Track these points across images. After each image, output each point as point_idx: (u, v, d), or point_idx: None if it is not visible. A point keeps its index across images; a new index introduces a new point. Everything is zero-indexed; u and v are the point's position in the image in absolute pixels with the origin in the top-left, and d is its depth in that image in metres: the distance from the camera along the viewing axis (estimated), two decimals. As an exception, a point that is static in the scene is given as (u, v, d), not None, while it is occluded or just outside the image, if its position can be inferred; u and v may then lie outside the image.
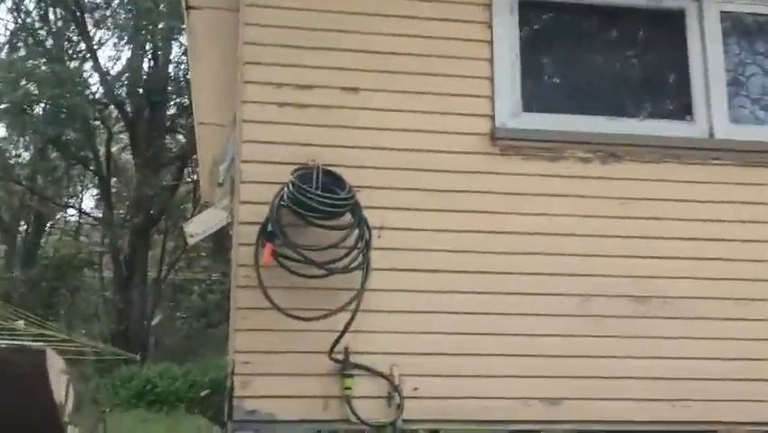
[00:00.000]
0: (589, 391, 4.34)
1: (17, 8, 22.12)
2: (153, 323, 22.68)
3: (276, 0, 4.56)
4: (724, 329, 4.51)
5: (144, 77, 22.64)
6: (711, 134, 4.77)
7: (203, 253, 23.88)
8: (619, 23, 5.12)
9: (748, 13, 5.04)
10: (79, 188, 27.12)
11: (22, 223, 24.57)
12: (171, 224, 23.49)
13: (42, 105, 19.81)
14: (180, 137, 24.33)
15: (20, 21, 22.35)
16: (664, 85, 5.12)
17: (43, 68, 19.70)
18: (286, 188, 4.13)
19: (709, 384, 4.42)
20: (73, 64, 21.44)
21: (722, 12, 4.96)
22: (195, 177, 22.14)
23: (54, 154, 22.87)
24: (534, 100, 4.76)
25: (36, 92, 18.87)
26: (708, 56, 4.85)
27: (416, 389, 4.21)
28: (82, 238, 26.04)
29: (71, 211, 27.39)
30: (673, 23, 4.97)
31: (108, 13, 22.21)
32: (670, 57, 5.07)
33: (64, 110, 18.91)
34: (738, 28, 5.05)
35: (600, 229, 4.55)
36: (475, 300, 4.36)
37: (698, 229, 4.61)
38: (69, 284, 22.86)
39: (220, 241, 18.35)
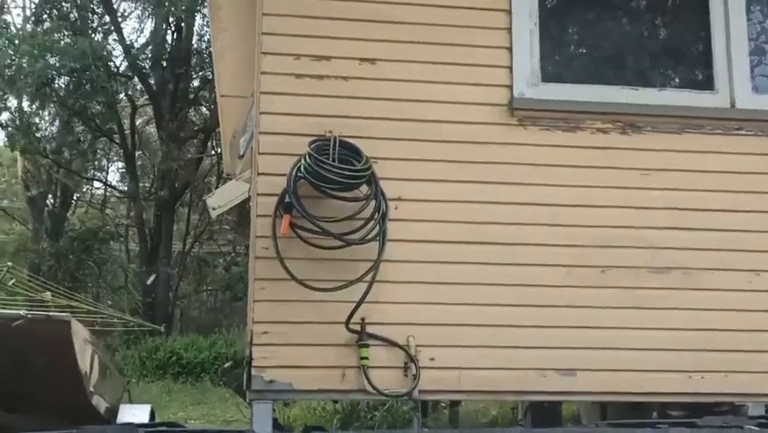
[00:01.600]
0: (605, 363, 4.34)
1: (43, -19, 22.23)
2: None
3: (293, -29, 4.54)
4: (743, 301, 4.48)
5: (168, 49, 22.67)
6: (733, 104, 4.70)
7: (227, 226, 24.00)
8: (641, -10, 5.05)
9: (773, -20, 4.95)
10: (105, 162, 27.33)
11: (50, 196, 24.82)
12: (196, 197, 23.62)
13: (66, 78, 19.89)
14: (204, 110, 24.38)
15: (45, -7, 22.46)
16: (686, 54, 5.06)
17: (67, 40, 19.79)
18: (303, 160, 4.14)
19: (727, 356, 4.40)
20: (97, 37, 21.50)
21: (746, -21, 4.87)
22: (218, 150, 22.20)
23: (79, 127, 23.04)
24: (553, 70, 4.72)
25: (58, 65, 18.95)
26: (730, 24, 4.76)
27: (432, 359, 4.23)
28: (108, 211, 26.25)
29: (97, 184, 27.64)
30: (696, -10, 4.89)
31: (132, -16, 22.24)
32: (692, 25, 5.00)
33: (87, 83, 18.98)
34: (762, -5, 4.96)
35: (620, 200, 4.52)
36: (492, 271, 4.36)
37: (718, 200, 4.57)
38: (96, 257, 23.11)
39: (244, 214, 18.47)
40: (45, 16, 21.86)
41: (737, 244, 4.53)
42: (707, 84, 4.80)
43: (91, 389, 7.65)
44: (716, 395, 4.40)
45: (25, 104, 21.58)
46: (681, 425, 4.19)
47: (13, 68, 18.71)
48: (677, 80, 5.00)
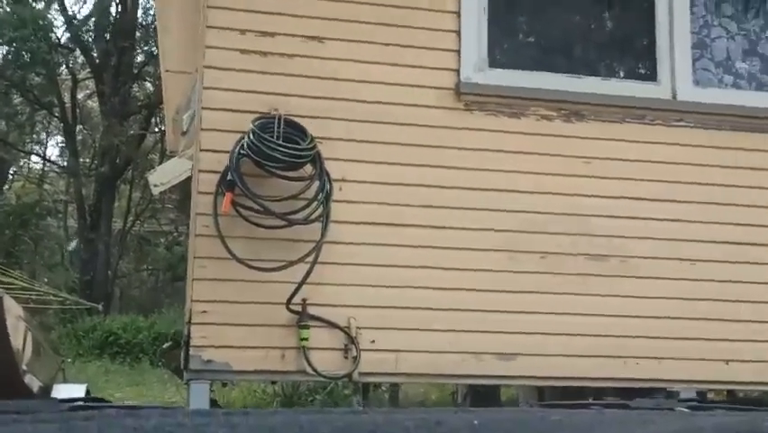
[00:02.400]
0: (542, 348, 4.39)
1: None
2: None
3: (240, -56, 4.45)
4: (679, 289, 4.58)
5: (112, 22, 22.16)
6: (674, 96, 4.78)
7: (169, 205, 23.68)
8: (590, -19, 5.08)
9: (717, -24, 5.04)
10: (44, 136, 26.67)
11: (-16, 169, 24.15)
12: (138, 174, 23.22)
13: (4, 47, 19.32)
14: (148, 86, 23.95)
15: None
16: (631, 45, 5.12)
17: (6, 8, 19.20)
18: (246, 137, 4.08)
19: (662, 343, 4.49)
20: (38, 6, 20.90)
21: (691, -27, 4.94)
22: (162, 127, 21.84)
23: (17, 99, 22.41)
24: (500, 56, 4.73)
25: (-3, 34, 18.42)
26: (674, 18, 4.84)
27: (372, 342, 4.23)
28: (46, 186, 25.65)
29: (35, 159, 26.96)
30: (642, -18, 4.94)
31: (75, -46, 21.65)
32: (637, 18, 5.06)
33: (27, 53, 18.46)
34: (706, -10, 5.04)
35: (561, 187, 4.56)
36: (433, 255, 4.37)
37: (656, 190, 4.65)
38: (32, 232, 22.57)
39: (186, 192, 18.21)
40: (-17, -17, 21.15)
41: (674, 234, 4.61)
42: (650, 75, 4.87)
43: (24, 367, 7.45)
44: (650, 381, 4.48)
45: (-40, 73, 20.90)
46: (614, 406, 4.26)
47: (-52, 35, 18.11)
48: (622, 71, 5.06)
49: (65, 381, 10.02)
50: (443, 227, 4.43)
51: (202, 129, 4.28)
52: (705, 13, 5.04)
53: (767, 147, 4.83)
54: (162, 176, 8.49)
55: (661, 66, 4.83)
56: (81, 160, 23.83)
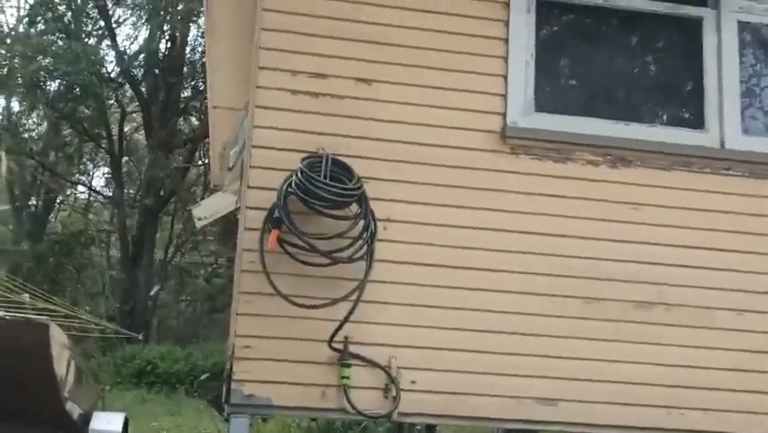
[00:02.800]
0: (584, 394, 4.35)
1: (38, -19, 22.23)
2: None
3: (294, -13, 4.57)
4: (725, 340, 4.51)
5: (161, 58, 22.68)
6: (722, 144, 4.76)
7: (210, 237, 23.92)
8: (636, 27, 5.10)
9: (766, 25, 5.03)
10: (90, 166, 27.21)
11: (33, 198, 24.65)
12: (180, 206, 23.54)
13: (57, 80, 19.84)
14: (193, 120, 24.37)
15: (40, -6, 22.45)
16: (678, 92, 5.12)
17: (60, 43, 19.76)
18: (294, 176, 4.15)
19: (707, 393, 4.43)
20: (90, 41, 21.48)
21: (740, 22, 4.94)
22: (206, 160, 22.17)
23: (67, 130, 22.95)
24: (546, 100, 4.76)
25: (51, 67, 18.91)
26: (723, 65, 4.84)
27: (413, 382, 4.23)
28: (91, 216, 26.09)
29: (81, 188, 27.48)
30: (691, 30, 4.96)
31: (128, -9, 22.26)
32: (685, 64, 5.07)
33: (78, 87, 18.93)
34: (755, 39, 5.03)
35: (606, 233, 4.55)
36: (477, 297, 4.37)
37: (704, 238, 4.61)
38: (76, 261, 22.93)
39: (227, 225, 18.42)
40: (39, 18, 21.81)
41: (721, 283, 4.56)
42: (697, 122, 4.86)
43: (65, 394, 7.54)
44: (694, 432, 4.40)
45: (14, 104, 21.51)
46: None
47: (5, 68, 18.62)
48: (668, 117, 5.05)
49: (104, 409, 10.11)
50: (486, 269, 4.43)
51: (251, 167, 4.37)
52: (754, 61, 5.03)
53: (816, 197, 4.77)
54: (206, 210, 8.62)
55: (709, 113, 4.82)
56: (126, 190, 24.24)
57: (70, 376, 7.71)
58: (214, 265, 23.84)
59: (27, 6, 23.26)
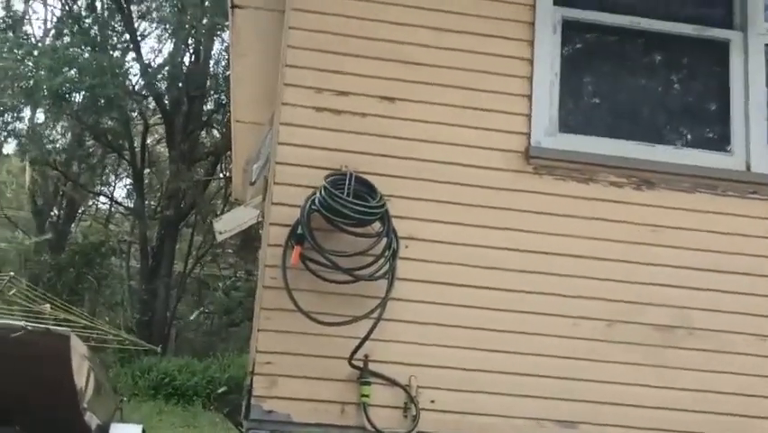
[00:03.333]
0: (604, 417, 4.31)
1: (65, -5, 22.56)
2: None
3: (320, 6, 4.60)
4: (747, 365, 4.46)
5: (184, 71, 22.87)
6: (748, 167, 4.72)
7: (229, 250, 24.02)
8: (662, 48, 5.09)
9: (794, 48, 5.00)
10: (113, 177, 27.44)
11: (55, 208, 24.87)
12: (200, 218, 23.66)
13: (82, 92, 20.04)
14: (215, 133, 24.53)
15: (67, 8, 22.74)
16: (703, 114, 5.09)
17: (86, 56, 19.98)
18: (318, 193, 4.16)
19: (728, 419, 4.37)
20: (115, 54, 21.71)
21: (767, 45, 4.92)
22: (227, 173, 22.30)
23: (90, 142, 23.16)
24: (571, 120, 4.76)
25: (76, 80, 19.12)
26: (749, 88, 4.81)
27: (432, 401, 4.21)
28: (111, 227, 26.27)
29: (103, 199, 27.71)
30: (717, 52, 4.94)
31: (154, 6, 22.48)
32: (711, 86, 5.05)
33: (103, 99, 19.12)
34: (782, 62, 5.00)
35: (629, 255, 4.52)
36: (498, 317, 4.36)
37: (728, 262, 4.57)
38: (96, 271, 23.08)
39: (247, 238, 18.48)
40: (66, 31, 22.10)
41: (746, 308, 4.51)
42: (722, 145, 4.83)
43: (84, 405, 7.60)
44: (716, 458, 4.36)
45: (39, 115, 21.75)
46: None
47: (32, 80, 18.84)
48: (693, 139, 5.02)
49: (122, 420, 10.15)
50: (507, 290, 4.42)
51: (275, 183, 4.38)
52: (781, 84, 5.00)
53: (843, 222, 4.71)
54: (228, 223, 8.69)
55: (735, 136, 4.79)
56: (147, 202, 24.41)
57: (89, 387, 7.77)
58: (233, 278, 23.92)
59: (54, 19, 23.61)
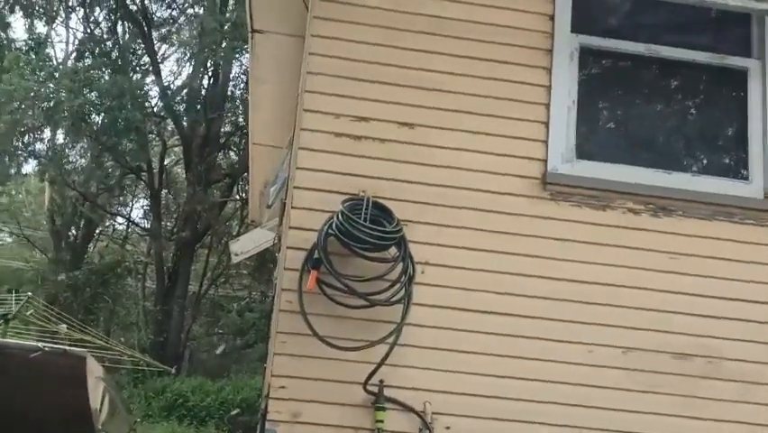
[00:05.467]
0: (622, 445, 4.28)
1: (87, 18, 22.81)
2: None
3: (340, 32, 4.65)
4: (764, 395, 4.42)
5: (203, 93, 23.06)
6: (766, 195, 4.70)
7: (244, 271, 24.04)
8: (680, 76, 5.12)
9: (811, 76, 4.99)
10: (130, 198, 27.61)
11: (72, 228, 25.03)
12: (216, 240, 23.74)
13: (102, 114, 20.24)
14: (233, 155, 24.66)
15: (89, 31, 23.04)
16: (721, 141, 5.09)
17: (106, 78, 20.20)
18: (335, 218, 4.18)
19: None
20: (135, 76, 21.94)
21: (785, 72, 4.92)
22: (243, 195, 22.38)
23: (109, 163, 23.35)
24: (588, 147, 4.77)
25: (97, 101, 19.34)
26: (767, 114, 4.80)
27: (448, 428, 4.20)
28: (128, 247, 26.39)
29: (120, 220, 27.87)
30: (735, 80, 4.95)
31: (174, 29, 22.72)
32: (728, 114, 5.05)
33: (122, 121, 19.30)
34: (801, 90, 4.99)
35: (646, 282, 4.51)
36: (514, 343, 4.35)
37: (746, 290, 4.54)
38: (112, 291, 23.18)
39: (262, 260, 18.51)
40: (87, 53, 22.37)
41: (763, 337, 4.48)
42: (740, 172, 4.82)
43: (99, 426, 7.61)
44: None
45: (59, 136, 21.96)
46: None
47: (53, 101, 19.05)
48: (710, 166, 5.01)
49: (135, 441, 10.15)
50: (523, 316, 4.41)
51: (292, 207, 4.41)
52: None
53: None
54: (244, 245, 8.73)
55: (752, 163, 4.79)
56: (163, 223, 24.52)
57: (105, 408, 7.79)
58: (247, 299, 23.94)
59: (75, 42, 23.90)
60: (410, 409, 4.19)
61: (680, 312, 4.48)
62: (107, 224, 27.32)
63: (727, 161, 5.07)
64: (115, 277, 23.39)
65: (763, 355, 4.47)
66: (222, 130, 23.75)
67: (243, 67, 21.03)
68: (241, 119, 22.07)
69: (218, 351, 22.67)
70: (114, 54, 21.92)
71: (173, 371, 15.72)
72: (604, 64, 5.14)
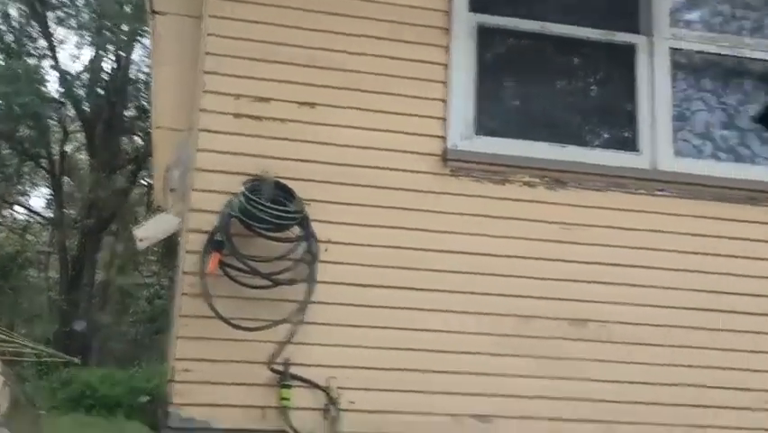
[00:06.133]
0: (520, 410, 4.41)
1: (-23, 1, 21.84)
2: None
3: (238, 13, 4.59)
4: (659, 355, 4.63)
5: (104, 77, 22.40)
6: (655, 166, 4.90)
7: (152, 258, 23.59)
8: (574, 53, 5.25)
9: (696, 52, 5.20)
10: (29, 187, 26.64)
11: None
12: (122, 227, 23.18)
13: (-4, 100, 19.44)
14: (138, 140, 24.09)
15: (-21, 14, 22.03)
16: (613, 115, 5.26)
17: (1, 63, 19.40)
18: (236, 199, 4.16)
19: (638, 408, 4.53)
20: (31, 61, 21.11)
21: (671, 48, 5.10)
22: (149, 181, 21.92)
23: (6, 150, 22.47)
24: (487, 123, 4.85)
25: (-10, 86, 18.56)
26: (655, 90, 4.99)
27: (352, 402, 4.24)
28: (29, 237, 25.50)
29: (19, 209, 26.86)
30: (625, 57, 5.10)
31: (72, 12, 21.95)
32: (619, 89, 5.22)
33: (18, 106, 18.57)
34: (686, 65, 5.21)
35: (542, 252, 4.64)
36: (416, 317, 4.42)
37: (636, 256, 4.73)
38: (13, 283, 22.38)
39: (170, 246, 18.19)
40: (-22, 36, 21.41)
41: (655, 300, 4.68)
42: (631, 145, 5.00)
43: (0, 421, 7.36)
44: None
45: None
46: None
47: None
48: (604, 139, 5.19)
49: (40, 435, 9.86)
50: (426, 289, 4.48)
51: (193, 190, 4.36)
52: (685, 86, 5.21)
53: (744, 217, 4.93)
54: (148, 231, 8.54)
55: (642, 136, 4.96)
56: (67, 211, 23.78)
57: (4, 402, 7.53)
58: (156, 286, 23.50)
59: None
60: (315, 386, 4.21)
61: (573, 280, 4.63)
62: (6, 213, 26.31)
63: (619, 134, 5.25)
64: (17, 268, 22.59)
65: (653, 318, 4.67)
66: (126, 114, 23.16)
67: (146, 49, 20.52)
68: (145, 103, 21.56)
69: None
70: (8, 38, 21.02)
71: (77, 360, 15.30)
72: (502, 42, 5.23)
